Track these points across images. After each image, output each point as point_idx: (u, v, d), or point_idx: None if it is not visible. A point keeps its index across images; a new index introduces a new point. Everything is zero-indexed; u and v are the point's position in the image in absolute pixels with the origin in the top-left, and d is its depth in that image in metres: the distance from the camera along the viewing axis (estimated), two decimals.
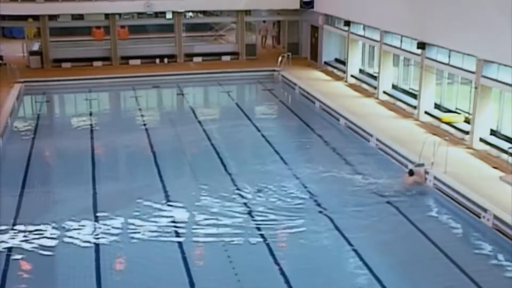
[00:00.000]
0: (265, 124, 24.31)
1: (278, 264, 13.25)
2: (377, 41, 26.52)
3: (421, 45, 22.39)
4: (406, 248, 14.28)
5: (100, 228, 14.91)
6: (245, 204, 16.36)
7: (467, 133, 20.20)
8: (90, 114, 26.06)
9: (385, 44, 25.75)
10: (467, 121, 20.70)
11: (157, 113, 27.48)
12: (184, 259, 13.50)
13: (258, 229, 14.90)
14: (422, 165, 17.57)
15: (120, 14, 35.37)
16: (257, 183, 17.71)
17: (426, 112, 22.75)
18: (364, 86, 28.19)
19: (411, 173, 17.72)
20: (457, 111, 21.73)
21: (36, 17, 33.27)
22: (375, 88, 26.79)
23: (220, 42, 39.60)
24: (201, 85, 31.64)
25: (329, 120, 24.68)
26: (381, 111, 24.63)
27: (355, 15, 28.62)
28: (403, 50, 24.53)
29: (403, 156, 18.94)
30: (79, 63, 33.31)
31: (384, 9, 25.93)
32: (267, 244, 14.14)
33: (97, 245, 14.12)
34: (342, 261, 13.77)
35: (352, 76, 29.50)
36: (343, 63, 30.80)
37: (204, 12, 38.20)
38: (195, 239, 14.44)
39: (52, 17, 34.30)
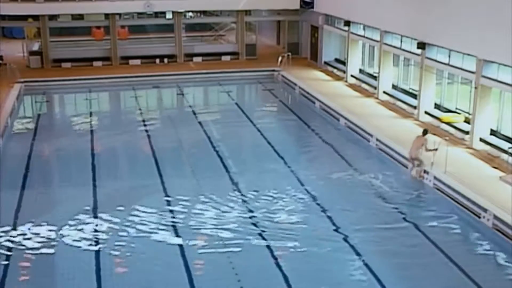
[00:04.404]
0: (265, 124, 24.32)
1: (279, 266, 13.24)
2: (377, 41, 26.53)
3: (421, 45, 22.39)
4: (405, 247, 14.25)
5: (100, 228, 14.90)
6: (245, 204, 16.34)
7: (467, 133, 20.20)
8: (90, 114, 26.07)
9: (385, 44, 25.76)
10: (467, 121, 20.70)
11: (157, 113, 27.47)
12: (184, 260, 13.50)
13: (259, 232, 14.86)
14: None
15: (120, 14, 35.38)
16: (257, 184, 17.71)
17: (426, 112, 22.76)
18: (364, 86, 28.19)
19: (425, 132, 17.95)
20: (457, 111, 21.74)
21: (36, 17, 33.30)
22: (375, 88, 26.79)
23: (220, 42, 39.61)
24: (201, 85, 31.64)
25: (329, 120, 24.68)
26: (381, 111, 24.63)
27: (355, 15, 28.63)
28: (403, 50, 24.54)
29: (403, 156, 18.94)
30: (79, 63, 33.34)
31: (384, 9, 25.94)
32: (268, 246, 14.14)
33: (97, 245, 14.12)
34: (336, 252, 13.79)
35: (352, 76, 29.50)
36: (343, 63, 30.81)
37: (204, 12, 38.22)
38: (195, 239, 14.42)
39: (52, 17, 34.34)
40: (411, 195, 17.08)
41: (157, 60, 34.32)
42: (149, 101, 29.93)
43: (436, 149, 17.53)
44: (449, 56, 21.16)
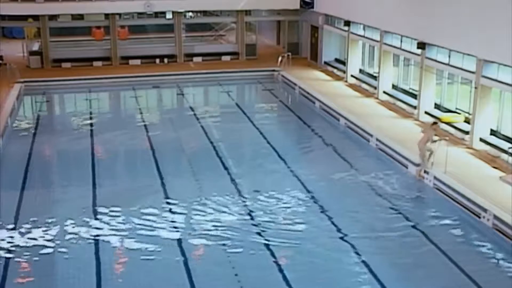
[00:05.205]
0: (265, 124, 24.31)
1: (279, 268, 13.20)
2: (377, 41, 26.53)
3: (421, 45, 22.39)
4: (405, 247, 14.26)
5: (100, 228, 14.90)
6: (245, 205, 16.33)
7: (467, 133, 20.20)
8: (90, 114, 26.06)
9: (385, 44, 25.75)
10: (467, 121, 20.70)
11: (157, 113, 27.47)
12: (184, 260, 13.50)
13: (259, 233, 14.82)
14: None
15: (120, 14, 35.36)
16: (257, 184, 17.70)
17: (426, 112, 22.75)
18: (364, 86, 28.19)
19: (434, 124, 18.17)
20: (457, 111, 21.73)
21: (36, 17, 33.29)
22: (375, 88, 26.79)
23: (220, 42, 39.61)
24: (201, 85, 31.63)
25: (329, 120, 24.68)
26: (381, 111, 24.63)
27: (355, 15, 28.62)
28: (403, 50, 24.53)
29: (403, 156, 18.94)
30: (79, 63, 33.33)
31: (384, 9, 25.93)
32: (268, 248, 14.12)
33: (97, 245, 14.12)
34: (337, 254, 13.76)
35: (352, 76, 29.50)
36: (343, 63, 30.80)
37: (204, 12, 38.20)
38: (195, 239, 14.41)
39: (52, 17, 34.34)
40: (411, 195, 17.05)
41: (157, 60, 34.32)
42: (149, 101, 29.92)
43: (440, 139, 17.57)
44: (449, 56, 21.16)
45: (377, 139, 20.80)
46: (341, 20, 29.82)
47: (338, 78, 30.39)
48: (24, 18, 34.24)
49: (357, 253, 13.75)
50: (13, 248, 13.95)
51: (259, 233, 14.70)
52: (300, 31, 36.81)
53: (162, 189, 17.45)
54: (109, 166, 20.01)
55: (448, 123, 21.24)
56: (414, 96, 23.96)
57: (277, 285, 12.54)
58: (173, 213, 15.80)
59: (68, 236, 14.45)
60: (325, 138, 22.52)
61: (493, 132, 19.52)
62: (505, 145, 18.51)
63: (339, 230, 14.90)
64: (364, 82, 28.34)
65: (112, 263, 13.51)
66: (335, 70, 31.53)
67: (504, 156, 18.31)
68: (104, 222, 15.17)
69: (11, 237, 14.45)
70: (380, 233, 14.80)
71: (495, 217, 14.61)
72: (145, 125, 24.17)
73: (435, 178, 17.14)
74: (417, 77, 23.53)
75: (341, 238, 14.57)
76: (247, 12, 35.19)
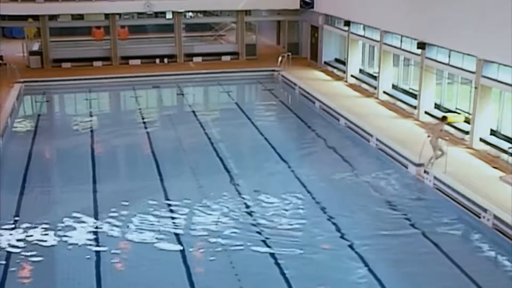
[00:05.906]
0: (265, 124, 24.32)
1: (280, 270, 13.19)
2: (377, 41, 26.52)
3: (421, 45, 22.39)
4: (405, 247, 14.25)
5: (100, 228, 14.90)
6: (245, 206, 16.31)
7: (467, 133, 20.20)
8: (90, 114, 26.07)
9: (385, 44, 25.75)
10: (467, 121, 20.70)
11: (157, 113, 27.47)
12: (184, 260, 13.50)
13: (259, 234, 14.79)
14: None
15: (120, 14, 35.37)
16: (257, 184, 17.68)
17: (426, 112, 22.75)
18: (364, 86, 28.19)
19: (443, 119, 18.36)
20: (457, 111, 21.73)
21: (36, 17, 33.29)
22: (375, 88, 26.79)
23: (220, 42, 39.62)
24: (201, 85, 31.64)
25: (329, 120, 24.68)
26: (381, 111, 24.62)
27: (355, 15, 28.62)
28: (403, 50, 24.53)
29: (403, 156, 18.94)
30: (79, 63, 33.33)
31: (384, 9, 25.93)
32: (268, 249, 14.10)
33: (97, 245, 14.11)
34: (337, 255, 13.77)
35: (352, 76, 29.50)
36: (343, 63, 30.81)
37: (204, 12, 38.22)
38: (195, 240, 14.40)
39: (52, 17, 34.35)
40: (411, 196, 17.06)
41: (157, 60, 34.33)
42: (149, 101, 29.92)
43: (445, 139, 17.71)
44: (449, 56, 21.15)
45: (377, 139, 20.80)
46: (341, 20, 29.82)
47: (338, 78, 30.39)
48: (24, 18, 34.22)
49: (358, 255, 13.71)
50: (13, 249, 13.93)
51: (259, 235, 14.67)
52: (300, 31, 36.81)
53: (162, 190, 17.41)
54: (109, 166, 20.00)
55: (448, 123, 21.21)
56: (414, 96, 23.96)
57: (277, 287, 12.52)
58: (173, 213, 15.76)
59: (67, 237, 14.42)
60: (325, 138, 22.53)
61: (493, 132, 19.52)
62: (505, 145, 18.51)
63: (339, 232, 14.84)
64: (364, 82, 28.34)
65: (111, 263, 13.48)
66: (335, 70, 31.53)
67: (504, 156, 18.31)
68: (104, 223, 15.14)
69: (11, 237, 14.43)
70: (379, 234, 14.78)
71: (495, 217, 14.61)
72: (145, 125, 24.17)
73: (435, 178, 17.14)
74: (417, 77, 23.52)
75: (342, 240, 14.53)
76: (247, 12, 35.20)
